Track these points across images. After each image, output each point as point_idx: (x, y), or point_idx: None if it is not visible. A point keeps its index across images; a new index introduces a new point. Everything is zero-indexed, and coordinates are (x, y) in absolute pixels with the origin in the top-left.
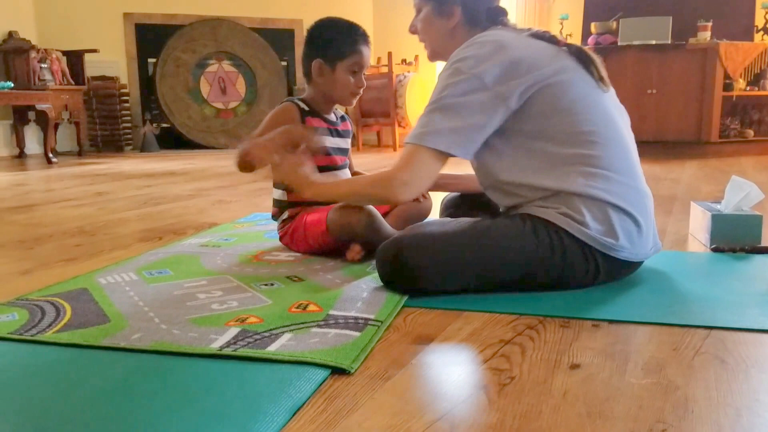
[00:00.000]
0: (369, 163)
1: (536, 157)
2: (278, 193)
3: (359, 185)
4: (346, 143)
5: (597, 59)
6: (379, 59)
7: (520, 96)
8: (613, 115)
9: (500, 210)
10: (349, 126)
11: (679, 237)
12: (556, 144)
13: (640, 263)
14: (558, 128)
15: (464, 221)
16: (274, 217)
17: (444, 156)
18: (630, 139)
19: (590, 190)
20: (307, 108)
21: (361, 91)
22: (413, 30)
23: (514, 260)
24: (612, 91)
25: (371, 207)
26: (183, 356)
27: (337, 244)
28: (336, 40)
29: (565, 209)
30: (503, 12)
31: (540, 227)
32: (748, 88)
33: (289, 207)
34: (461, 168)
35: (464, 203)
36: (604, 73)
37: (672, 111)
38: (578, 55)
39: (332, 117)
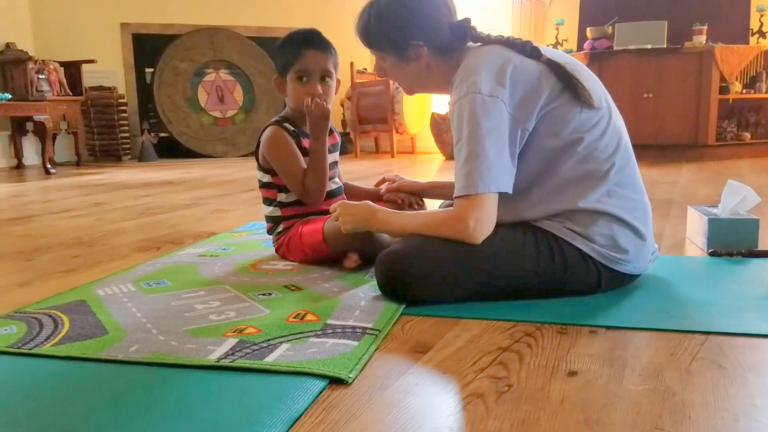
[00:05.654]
0: (366, 170)
1: (545, 177)
2: (269, 210)
3: (434, 224)
4: (334, 157)
5: (579, 76)
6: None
7: (535, 118)
8: (621, 129)
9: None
10: (337, 138)
11: (676, 241)
12: (567, 162)
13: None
14: (568, 147)
15: None
16: (269, 231)
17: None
18: (632, 151)
19: (599, 205)
20: (292, 128)
21: (319, 97)
22: (381, 74)
23: (514, 271)
24: (612, 102)
25: None
26: (181, 368)
27: (333, 254)
28: (282, 51)
29: (570, 224)
30: (466, 24)
31: (542, 238)
32: (744, 91)
33: (284, 220)
34: None
35: None
36: (591, 89)
37: (669, 114)
38: (559, 74)
39: None
